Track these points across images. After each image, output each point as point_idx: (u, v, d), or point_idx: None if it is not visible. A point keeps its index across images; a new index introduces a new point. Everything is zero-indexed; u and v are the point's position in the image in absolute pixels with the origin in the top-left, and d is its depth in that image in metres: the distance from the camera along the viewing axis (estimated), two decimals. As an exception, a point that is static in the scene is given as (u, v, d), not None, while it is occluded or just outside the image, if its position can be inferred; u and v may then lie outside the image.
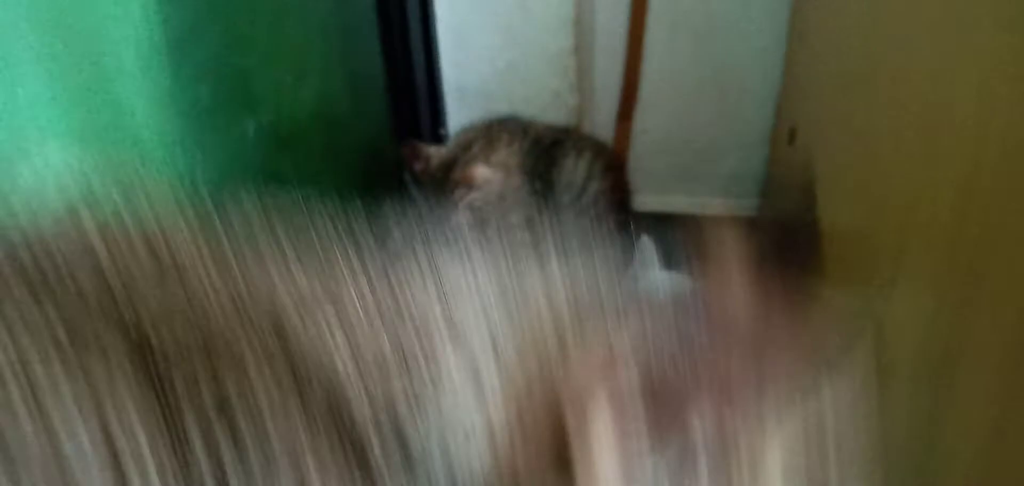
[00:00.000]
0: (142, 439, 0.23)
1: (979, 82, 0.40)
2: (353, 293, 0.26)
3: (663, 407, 0.25)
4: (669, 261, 0.96)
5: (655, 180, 1.20)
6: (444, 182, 0.87)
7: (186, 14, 0.64)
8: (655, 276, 0.95)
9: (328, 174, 1.07)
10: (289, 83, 1.02)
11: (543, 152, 0.92)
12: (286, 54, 1.01)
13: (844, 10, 0.77)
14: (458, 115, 1.04)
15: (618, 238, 0.84)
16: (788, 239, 0.85)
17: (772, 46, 1.03)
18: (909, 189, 0.50)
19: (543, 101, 1.01)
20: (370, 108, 1.01)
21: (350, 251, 0.27)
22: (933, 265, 0.45)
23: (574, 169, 0.92)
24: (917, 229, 0.48)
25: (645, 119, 1.12)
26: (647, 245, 0.96)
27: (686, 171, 1.19)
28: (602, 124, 1.12)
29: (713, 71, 1.08)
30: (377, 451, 0.25)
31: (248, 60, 0.97)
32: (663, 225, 1.22)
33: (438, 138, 1.06)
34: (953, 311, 0.41)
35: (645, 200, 1.21)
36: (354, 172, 1.04)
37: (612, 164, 0.99)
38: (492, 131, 0.91)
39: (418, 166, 0.90)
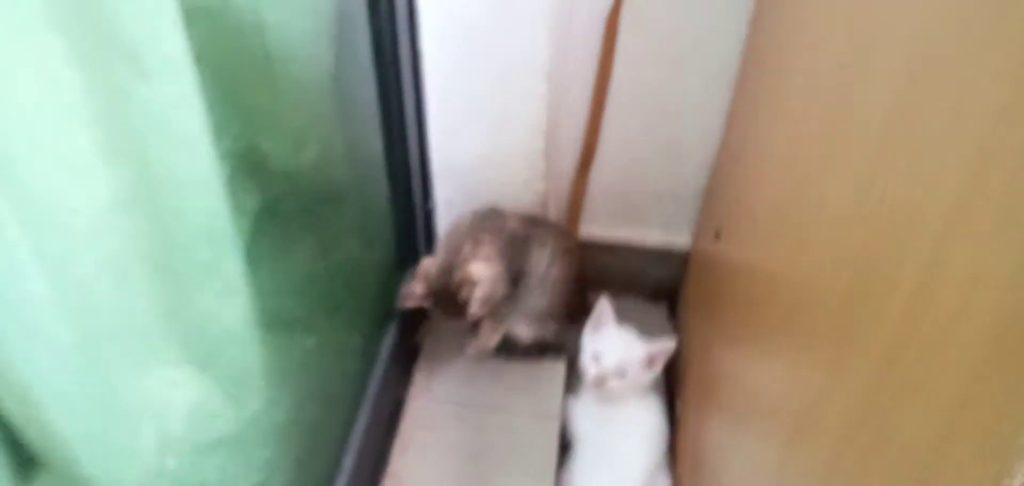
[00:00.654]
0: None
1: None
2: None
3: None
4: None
5: (603, 217, 1.42)
6: (448, 287, 1.07)
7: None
8: (610, 329, 1.17)
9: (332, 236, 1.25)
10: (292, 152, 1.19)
11: (517, 245, 1.13)
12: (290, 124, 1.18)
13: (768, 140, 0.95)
14: (444, 189, 1.23)
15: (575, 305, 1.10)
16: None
17: (711, 125, 1.24)
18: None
19: (516, 185, 1.20)
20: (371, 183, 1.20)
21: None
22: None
23: (540, 260, 1.14)
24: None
25: (599, 173, 1.33)
26: (604, 305, 1.17)
27: (630, 212, 1.40)
28: (563, 176, 1.33)
29: (659, 142, 1.29)
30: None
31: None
32: (608, 253, 1.44)
33: (427, 212, 1.25)
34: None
35: (594, 231, 1.43)
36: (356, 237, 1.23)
37: (569, 248, 1.21)
38: (475, 231, 1.11)
39: (421, 288, 1.10)
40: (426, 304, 1.13)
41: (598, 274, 1.46)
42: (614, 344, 1.14)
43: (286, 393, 0.97)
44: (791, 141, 0.80)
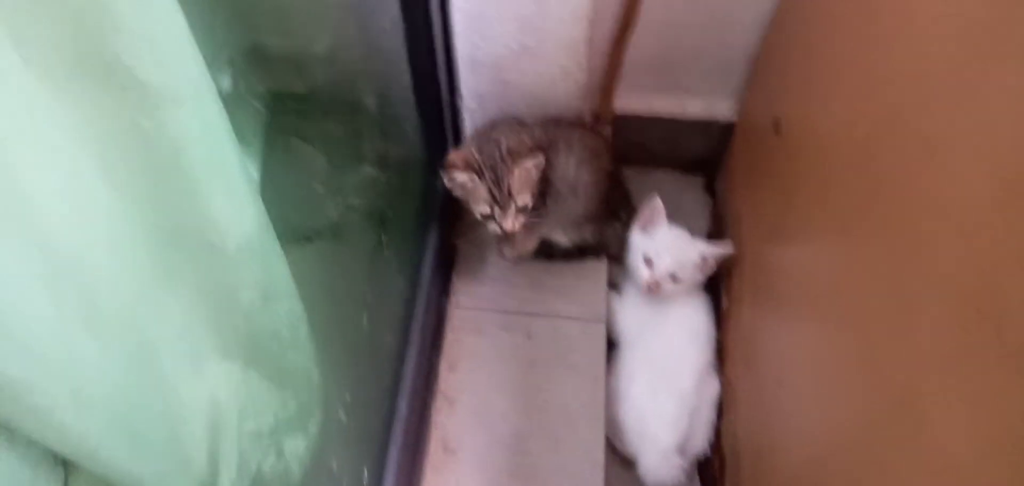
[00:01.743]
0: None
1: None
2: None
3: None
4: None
5: (640, 88, 1.31)
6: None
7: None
8: (662, 232, 1.12)
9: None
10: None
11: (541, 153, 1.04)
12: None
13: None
14: (476, 82, 1.11)
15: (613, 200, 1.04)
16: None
17: None
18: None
19: (553, 75, 1.08)
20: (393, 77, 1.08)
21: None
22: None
23: (566, 166, 1.05)
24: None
25: (637, 40, 1.21)
26: (656, 205, 1.11)
27: (669, 82, 1.30)
28: (597, 46, 1.20)
29: (706, 3, 1.16)
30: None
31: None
32: (643, 125, 1.36)
33: (454, 107, 1.14)
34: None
35: (629, 103, 1.33)
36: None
37: (597, 149, 1.12)
38: (505, 131, 1.02)
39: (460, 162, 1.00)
40: (467, 184, 1.03)
41: (632, 148, 1.38)
42: (668, 247, 1.09)
43: (334, 331, 0.93)
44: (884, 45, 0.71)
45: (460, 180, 0.99)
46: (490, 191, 0.99)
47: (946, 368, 0.53)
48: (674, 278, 1.09)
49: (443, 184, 1.02)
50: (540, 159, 0.99)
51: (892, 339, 0.62)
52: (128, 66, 0.45)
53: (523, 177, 0.99)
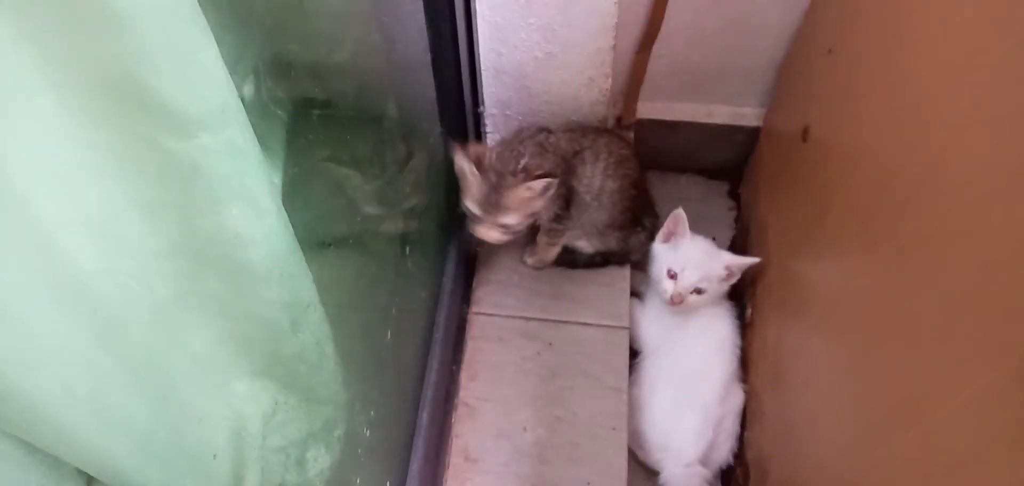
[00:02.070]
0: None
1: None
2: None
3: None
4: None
5: (664, 94, 1.30)
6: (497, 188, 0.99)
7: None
8: (686, 244, 1.10)
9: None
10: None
11: (568, 163, 1.03)
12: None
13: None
14: (500, 90, 1.10)
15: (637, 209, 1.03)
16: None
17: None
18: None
19: (579, 84, 1.07)
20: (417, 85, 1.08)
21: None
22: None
23: (593, 175, 1.05)
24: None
25: (662, 47, 1.19)
26: (680, 217, 1.10)
27: (694, 87, 1.28)
28: (622, 53, 1.19)
29: (732, 10, 1.14)
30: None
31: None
32: (667, 131, 1.34)
33: (478, 116, 1.13)
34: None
35: (653, 109, 1.32)
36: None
37: (623, 157, 1.10)
38: (528, 147, 1.01)
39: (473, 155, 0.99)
40: (466, 175, 1.01)
41: (656, 153, 1.37)
42: (692, 259, 1.08)
43: (356, 339, 0.93)
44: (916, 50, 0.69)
45: (460, 166, 0.99)
46: (485, 194, 0.98)
47: (984, 401, 0.51)
48: (698, 291, 1.07)
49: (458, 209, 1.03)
50: (550, 185, 0.98)
51: (923, 361, 0.61)
52: (157, 91, 0.45)
53: (521, 198, 0.98)
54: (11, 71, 0.41)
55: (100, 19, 0.40)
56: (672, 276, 1.08)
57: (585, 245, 1.15)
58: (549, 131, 1.06)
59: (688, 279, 1.06)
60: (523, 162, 0.98)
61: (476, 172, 0.97)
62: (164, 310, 0.59)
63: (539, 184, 0.97)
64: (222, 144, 0.50)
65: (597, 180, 1.07)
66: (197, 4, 0.46)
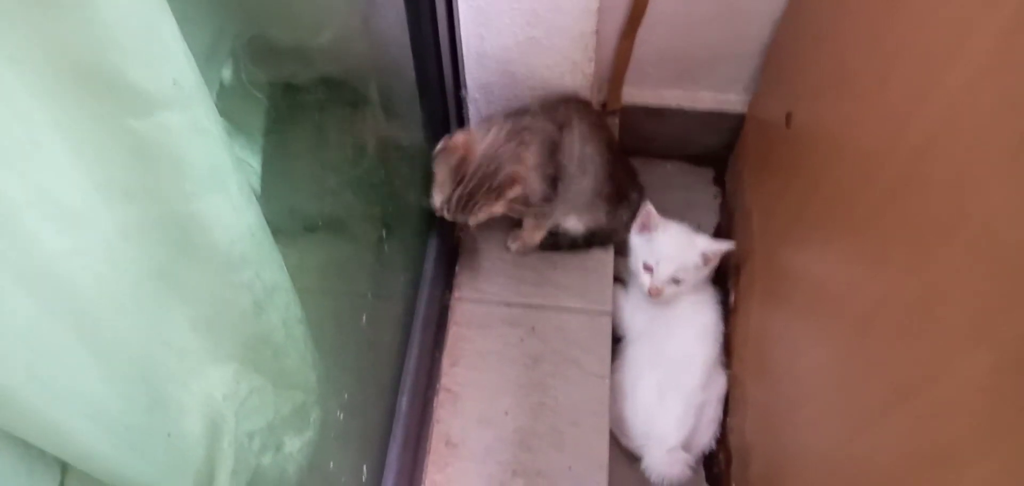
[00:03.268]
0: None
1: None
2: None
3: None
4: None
5: (649, 81, 1.29)
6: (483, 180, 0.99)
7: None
8: (661, 234, 1.10)
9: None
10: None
11: (553, 141, 1.02)
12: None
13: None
14: (476, 74, 1.09)
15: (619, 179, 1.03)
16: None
17: None
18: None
19: (562, 68, 1.06)
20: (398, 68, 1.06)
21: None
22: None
23: (571, 144, 1.05)
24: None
25: (647, 33, 1.18)
26: (649, 210, 1.09)
27: (680, 74, 1.28)
28: (606, 38, 1.18)
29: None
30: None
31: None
32: (653, 118, 1.33)
33: (460, 99, 1.12)
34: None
35: (638, 96, 1.31)
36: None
37: (596, 121, 1.11)
38: (515, 133, 1.00)
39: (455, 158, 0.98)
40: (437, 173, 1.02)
41: (642, 140, 1.36)
42: (667, 251, 1.07)
43: (333, 324, 0.92)
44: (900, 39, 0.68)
45: (438, 167, 0.99)
46: (453, 193, 0.99)
47: (966, 390, 0.51)
48: (676, 280, 1.07)
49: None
50: (517, 193, 0.99)
51: (907, 351, 0.60)
52: (118, 70, 0.44)
53: (489, 207, 0.99)
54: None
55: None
56: (648, 269, 1.08)
57: (574, 223, 1.13)
58: (528, 114, 1.04)
59: (663, 272, 1.06)
60: (502, 175, 0.98)
61: (452, 177, 0.97)
62: (133, 293, 0.57)
63: (510, 193, 0.98)
64: (185, 123, 0.49)
65: (576, 146, 1.06)
66: (158, -19, 0.45)
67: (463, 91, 1.11)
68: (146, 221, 0.55)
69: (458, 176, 0.98)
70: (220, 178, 0.54)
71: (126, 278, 0.57)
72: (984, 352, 0.49)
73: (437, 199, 1.01)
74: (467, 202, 0.98)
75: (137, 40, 0.44)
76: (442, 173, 1.00)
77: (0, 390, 0.49)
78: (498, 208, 1.00)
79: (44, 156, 0.48)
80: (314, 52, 1.07)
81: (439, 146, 1.00)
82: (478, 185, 0.97)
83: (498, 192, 0.97)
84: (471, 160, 0.97)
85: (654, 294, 1.07)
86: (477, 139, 0.99)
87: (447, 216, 1.02)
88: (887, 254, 0.66)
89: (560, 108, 1.07)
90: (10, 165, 0.46)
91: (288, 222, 0.95)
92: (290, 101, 1.07)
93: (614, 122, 1.28)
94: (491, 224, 1.12)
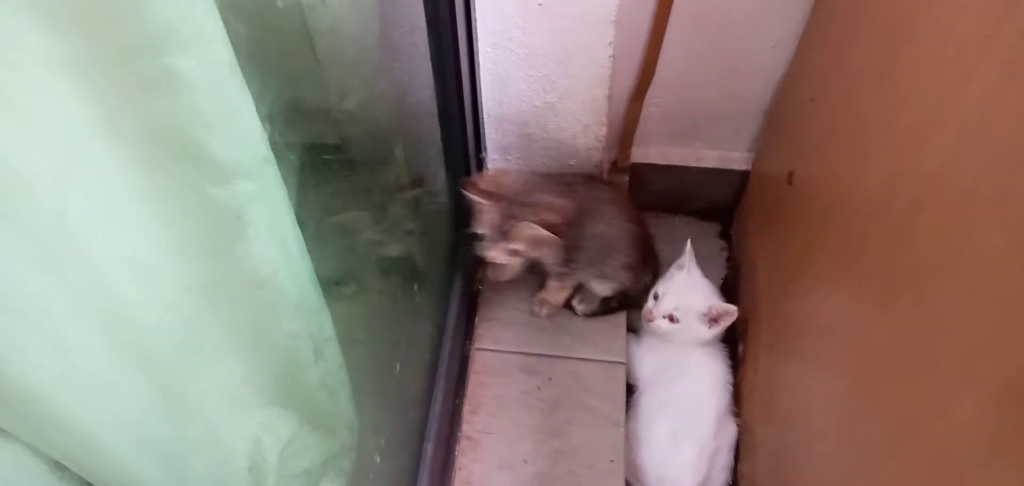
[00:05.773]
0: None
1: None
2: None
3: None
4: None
5: (657, 139, 1.36)
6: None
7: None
8: (680, 273, 1.16)
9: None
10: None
11: (581, 210, 1.08)
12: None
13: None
14: (495, 137, 1.17)
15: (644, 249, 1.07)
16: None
17: (782, 38, 1.15)
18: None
19: (575, 130, 1.13)
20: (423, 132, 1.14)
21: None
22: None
23: (598, 220, 1.11)
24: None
25: (655, 94, 1.25)
26: (688, 248, 1.17)
27: (685, 132, 1.34)
28: (617, 100, 1.25)
29: (723, 58, 1.20)
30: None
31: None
32: (660, 174, 1.40)
33: (479, 161, 1.19)
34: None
35: (646, 154, 1.38)
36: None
37: (624, 201, 1.18)
38: (549, 183, 1.07)
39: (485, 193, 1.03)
40: (483, 212, 1.04)
41: (650, 196, 1.43)
42: (675, 287, 1.15)
43: (366, 378, 0.97)
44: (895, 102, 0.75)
45: (471, 197, 1.03)
46: (496, 220, 1.02)
47: (967, 425, 0.55)
48: (672, 318, 1.13)
49: (468, 232, 1.07)
50: (557, 238, 1.02)
51: (910, 390, 0.64)
52: (205, 145, 0.50)
53: (529, 235, 1.01)
54: (79, 128, 0.46)
55: (161, 82, 0.45)
56: (655, 297, 1.15)
57: (599, 287, 1.19)
58: (567, 186, 1.11)
59: (665, 304, 1.13)
60: (536, 195, 1.03)
61: (488, 200, 1.02)
62: (195, 341, 0.63)
63: (545, 234, 1.00)
64: (257, 190, 0.55)
65: (603, 225, 1.12)
66: (238, 67, 0.52)
67: (483, 153, 1.18)
68: (212, 276, 0.60)
69: (495, 198, 1.02)
70: (281, 237, 0.60)
71: (190, 327, 0.63)
72: (981, 388, 0.53)
73: (478, 226, 1.04)
74: (507, 221, 1.01)
75: (222, 117, 0.51)
76: (479, 199, 1.03)
77: (81, 428, 0.54)
78: (530, 234, 1.01)
79: (130, 219, 0.54)
80: (345, 116, 1.14)
81: (468, 179, 1.04)
82: (512, 202, 1.01)
83: (538, 209, 1.00)
84: (505, 183, 1.03)
85: (647, 318, 1.14)
86: (501, 175, 1.06)
87: (491, 253, 1.04)
88: (886, 300, 0.71)
89: (588, 186, 1.14)
90: (103, 227, 0.52)
91: (321, 275, 1.01)
92: (321, 162, 1.14)
93: (623, 179, 1.35)
94: (509, 281, 1.18)
